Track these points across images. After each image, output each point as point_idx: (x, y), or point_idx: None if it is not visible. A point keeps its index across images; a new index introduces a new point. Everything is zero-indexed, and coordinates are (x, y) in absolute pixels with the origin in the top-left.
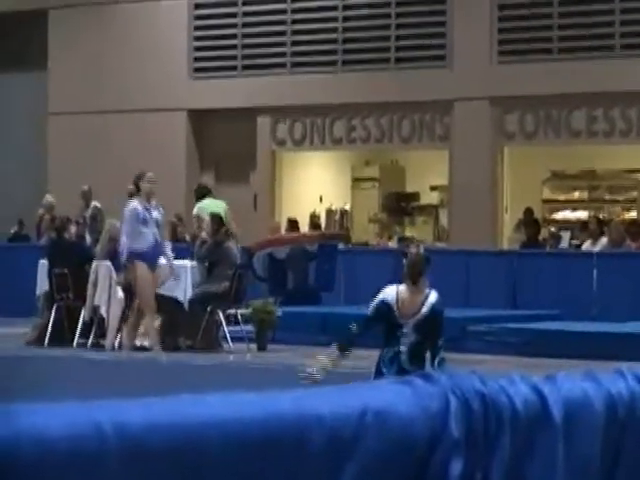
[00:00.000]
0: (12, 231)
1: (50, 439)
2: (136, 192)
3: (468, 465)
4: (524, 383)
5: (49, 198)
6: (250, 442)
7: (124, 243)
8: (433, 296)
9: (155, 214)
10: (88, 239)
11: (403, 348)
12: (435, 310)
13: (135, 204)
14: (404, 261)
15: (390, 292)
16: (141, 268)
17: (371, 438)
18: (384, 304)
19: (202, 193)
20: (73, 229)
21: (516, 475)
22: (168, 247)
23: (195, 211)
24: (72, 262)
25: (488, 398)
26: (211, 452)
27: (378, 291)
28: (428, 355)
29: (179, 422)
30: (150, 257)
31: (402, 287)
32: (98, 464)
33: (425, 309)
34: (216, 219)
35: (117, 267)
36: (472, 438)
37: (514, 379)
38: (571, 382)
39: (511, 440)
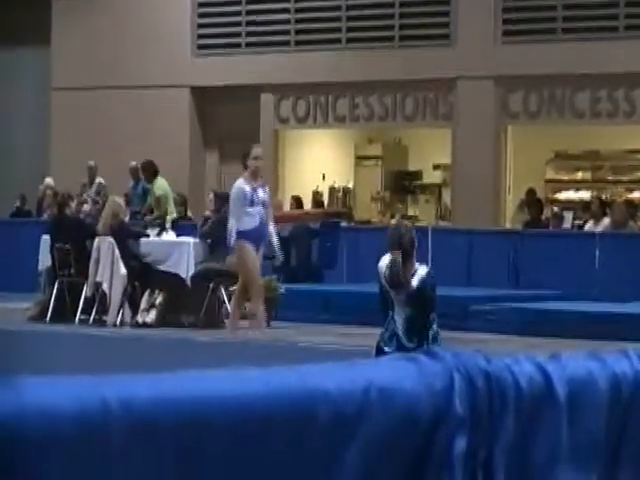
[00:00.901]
0: (15, 206)
1: (56, 414)
2: (243, 170)
3: (472, 442)
4: (529, 362)
5: (48, 180)
6: (255, 417)
7: (232, 224)
8: (423, 270)
9: (261, 193)
10: None
11: (399, 327)
12: (425, 282)
13: (241, 183)
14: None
15: (383, 261)
16: (247, 249)
17: (376, 414)
18: (379, 272)
19: (156, 171)
20: (87, 207)
21: (520, 453)
22: (272, 228)
23: (160, 192)
24: (74, 238)
25: (492, 376)
26: (216, 428)
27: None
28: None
29: (185, 397)
30: (255, 238)
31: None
32: (104, 438)
33: (415, 282)
34: (219, 197)
35: (119, 243)
36: (476, 416)
37: (519, 358)
38: (575, 361)
39: (515, 418)
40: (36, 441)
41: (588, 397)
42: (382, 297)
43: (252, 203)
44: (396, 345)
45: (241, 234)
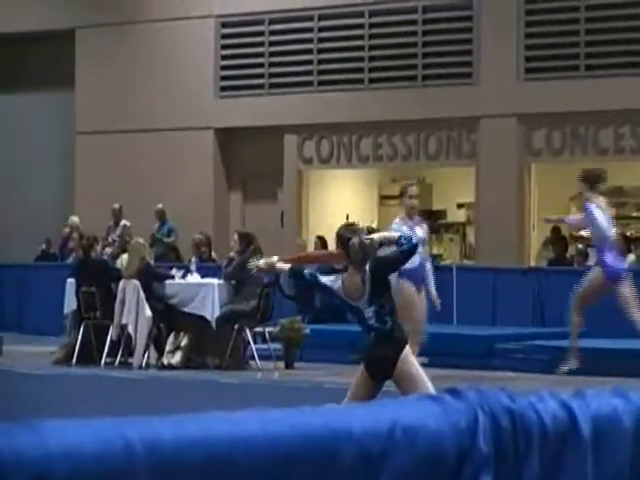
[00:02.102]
0: (40, 250)
1: (81, 456)
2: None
3: None
4: (553, 399)
5: (74, 219)
6: (280, 458)
7: None
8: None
9: (419, 232)
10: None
11: (369, 315)
12: (372, 264)
13: (398, 222)
14: (353, 247)
15: (336, 282)
16: (408, 289)
17: (400, 454)
18: (329, 288)
19: None
20: (109, 250)
21: None
22: (430, 267)
23: None
24: (99, 281)
25: (517, 414)
26: (241, 469)
27: None
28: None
29: (209, 439)
30: (416, 278)
31: (345, 275)
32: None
33: (366, 280)
34: (244, 237)
35: (145, 285)
36: (501, 454)
37: (543, 395)
38: (600, 398)
39: (540, 456)
40: None
41: (613, 434)
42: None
43: None
44: (375, 334)
45: (401, 275)
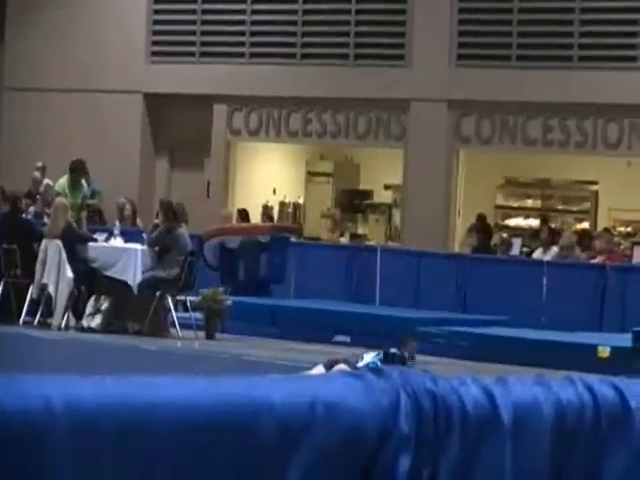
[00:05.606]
0: None
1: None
2: None
3: (416, 462)
4: (475, 384)
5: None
6: (200, 426)
7: None
8: None
9: None
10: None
11: None
12: None
13: None
14: None
15: None
16: None
17: (320, 429)
18: None
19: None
20: (32, 209)
21: (463, 475)
22: None
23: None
24: (22, 239)
25: (439, 397)
26: (160, 433)
27: (328, 286)
28: None
29: (130, 402)
30: None
31: None
32: (47, 438)
33: None
34: (168, 206)
35: (67, 246)
36: (421, 436)
37: (465, 380)
38: (522, 386)
39: (460, 440)
40: None
41: (533, 422)
42: None
43: None
44: None
45: None
